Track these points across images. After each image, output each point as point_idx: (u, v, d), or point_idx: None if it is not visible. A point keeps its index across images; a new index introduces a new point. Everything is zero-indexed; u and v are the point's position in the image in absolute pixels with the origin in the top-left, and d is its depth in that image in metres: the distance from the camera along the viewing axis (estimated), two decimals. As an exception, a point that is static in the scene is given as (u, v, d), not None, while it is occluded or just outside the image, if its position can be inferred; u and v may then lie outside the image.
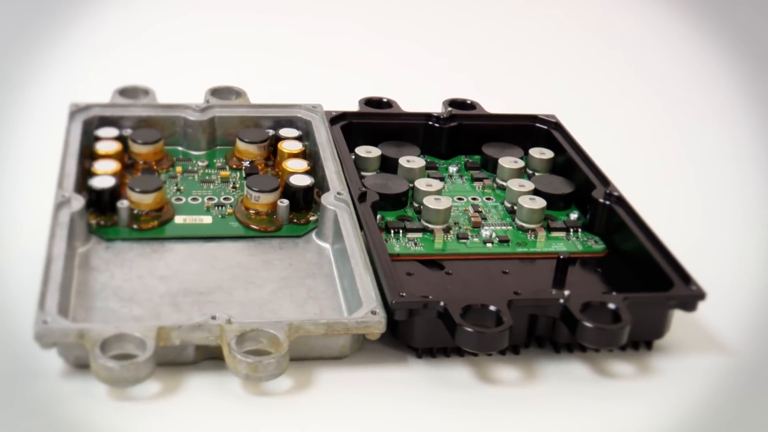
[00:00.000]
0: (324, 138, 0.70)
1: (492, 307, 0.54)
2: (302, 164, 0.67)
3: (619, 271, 0.63)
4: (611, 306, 0.55)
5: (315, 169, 0.68)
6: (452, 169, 0.72)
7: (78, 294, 0.57)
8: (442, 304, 0.54)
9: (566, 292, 0.56)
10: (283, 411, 0.52)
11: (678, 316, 0.59)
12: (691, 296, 0.57)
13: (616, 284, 0.61)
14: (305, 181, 0.65)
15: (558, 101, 0.85)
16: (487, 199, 0.69)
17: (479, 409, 0.53)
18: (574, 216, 0.67)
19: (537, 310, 0.56)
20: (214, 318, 0.53)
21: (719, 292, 0.64)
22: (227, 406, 0.51)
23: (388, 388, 0.54)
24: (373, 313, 0.54)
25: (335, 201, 0.63)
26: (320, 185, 0.66)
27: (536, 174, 0.72)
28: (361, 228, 0.61)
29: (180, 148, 0.71)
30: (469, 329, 0.53)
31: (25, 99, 0.79)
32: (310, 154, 0.70)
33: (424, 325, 0.55)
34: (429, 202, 0.65)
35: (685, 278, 0.58)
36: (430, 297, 0.55)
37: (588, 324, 0.54)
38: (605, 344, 0.55)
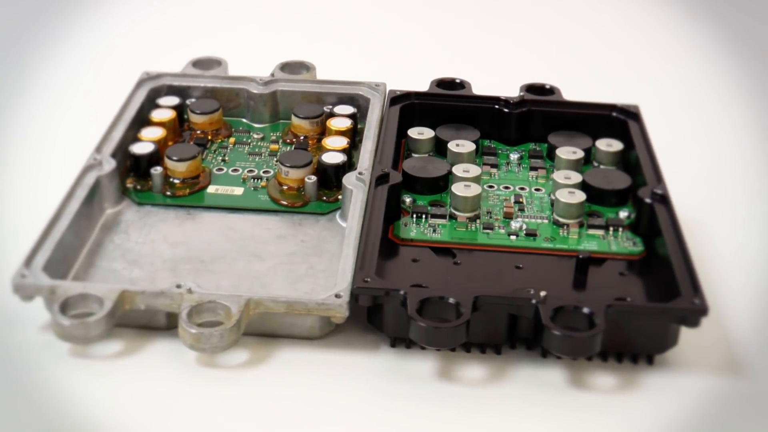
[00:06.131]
0: (374, 117, 0.69)
1: (451, 300, 0.51)
2: (342, 142, 0.67)
3: (646, 277, 0.58)
4: (585, 311, 0.51)
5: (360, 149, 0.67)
6: (513, 156, 0.69)
7: (90, 252, 0.60)
8: (402, 293, 0.52)
9: (542, 293, 0.52)
10: (223, 384, 0.52)
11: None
12: (690, 310, 0.51)
13: (637, 290, 0.56)
14: (337, 158, 0.65)
15: (657, 95, 0.79)
16: (536, 189, 0.65)
17: (422, 404, 0.51)
18: (623, 214, 0.62)
19: (510, 309, 0.52)
20: (178, 286, 0.54)
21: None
22: (171, 373, 0.52)
23: (342, 374, 0.52)
24: (337, 296, 0.53)
25: (355, 181, 0.62)
26: (361, 164, 0.65)
27: (600, 166, 0.67)
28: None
29: (244, 120, 0.72)
30: (421, 323, 0.50)
31: (111, 67, 0.83)
32: (363, 132, 0.69)
33: (393, 313, 0.53)
34: (457, 188, 0.62)
35: (696, 290, 0.53)
36: (425, 285, 0.54)
37: (554, 331, 0.50)
38: (572, 353, 0.51)
